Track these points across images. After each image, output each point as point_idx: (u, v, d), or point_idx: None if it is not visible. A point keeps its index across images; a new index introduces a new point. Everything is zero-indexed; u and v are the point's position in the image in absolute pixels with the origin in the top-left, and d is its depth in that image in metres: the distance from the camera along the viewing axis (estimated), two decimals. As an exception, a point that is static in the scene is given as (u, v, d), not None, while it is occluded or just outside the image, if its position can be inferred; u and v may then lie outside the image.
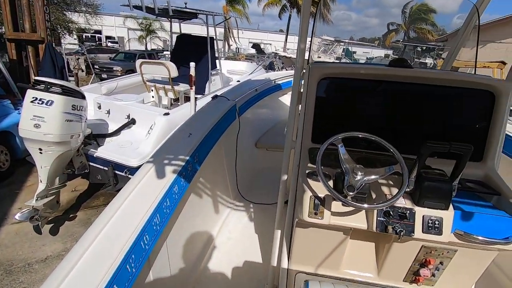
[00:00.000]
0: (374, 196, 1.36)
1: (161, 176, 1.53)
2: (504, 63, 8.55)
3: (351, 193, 1.15)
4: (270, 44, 29.92)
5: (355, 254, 1.69)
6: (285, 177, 1.86)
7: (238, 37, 26.77)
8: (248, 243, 2.44)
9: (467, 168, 1.50)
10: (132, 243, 1.22)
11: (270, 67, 12.99)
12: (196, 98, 3.93)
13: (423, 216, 1.27)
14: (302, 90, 1.76)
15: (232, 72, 7.93)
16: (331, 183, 1.38)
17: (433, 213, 1.27)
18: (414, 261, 1.55)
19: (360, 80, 1.64)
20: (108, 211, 1.32)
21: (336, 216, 1.34)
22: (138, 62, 5.14)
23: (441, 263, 1.53)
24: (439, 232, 1.25)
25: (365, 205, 1.17)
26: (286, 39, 30.30)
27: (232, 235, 2.52)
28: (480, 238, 1.27)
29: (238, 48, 25.46)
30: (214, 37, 6.17)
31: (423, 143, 1.23)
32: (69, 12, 17.01)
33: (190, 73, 3.77)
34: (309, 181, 1.40)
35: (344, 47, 21.47)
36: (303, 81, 1.81)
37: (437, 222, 1.25)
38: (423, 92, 1.62)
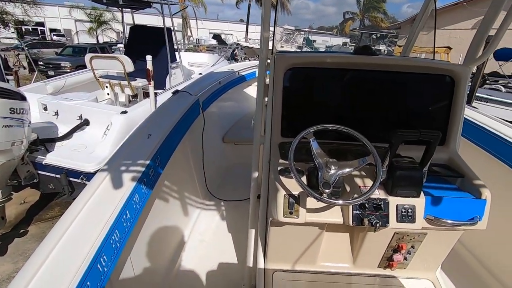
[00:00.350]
0: (348, 189, 1.33)
1: (118, 187, 1.36)
2: (449, 48, 9.22)
3: (327, 191, 1.10)
4: (231, 34, 29.36)
5: (331, 246, 1.67)
6: (255, 174, 1.78)
7: (197, 28, 25.91)
8: (222, 244, 2.34)
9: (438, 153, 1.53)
10: (89, 265, 1.06)
11: (232, 58, 12.75)
12: (156, 94, 3.68)
13: (396, 206, 1.27)
14: (268, 82, 1.67)
15: (194, 65, 7.61)
16: (304, 179, 1.33)
17: (406, 202, 1.27)
18: (387, 248, 1.57)
19: (327, 69, 1.59)
20: (59, 228, 1.14)
21: (312, 213, 1.29)
22: (87, 56, 4.68)
23: (412, 247, 1.56)
24: (413, 220, 1.26)
25: (340, 201, 1.13)
26: (247, 29, 29.96)
27: (204, 237, 2.41)
28: (449, 221, 1.30)
29: (199, 39, 24.68)
30: (172, 28, 5.84)
31: (394, 132, 1.21)
32: (3, 2, 15.13)
33: (147, 67, 3.50)
34: (282, 178, 1.33)
35: (305, 36, 21.75)
36: (268, 72, 1.72)
37: (410, 210, 1.26)
38: (388, 79, 1.61)
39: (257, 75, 5.35)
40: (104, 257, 1.11)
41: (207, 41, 22.70)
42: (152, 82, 3.52)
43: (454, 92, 1.56)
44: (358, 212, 1.26)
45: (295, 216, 1.26)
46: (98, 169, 2.45)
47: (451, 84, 1.57)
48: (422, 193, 1.29)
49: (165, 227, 2.13)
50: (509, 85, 9.99)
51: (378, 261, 1.66)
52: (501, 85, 9.97)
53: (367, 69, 1.57)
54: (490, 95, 7.69)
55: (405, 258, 1.61)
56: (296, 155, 1.27)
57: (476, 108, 2.46)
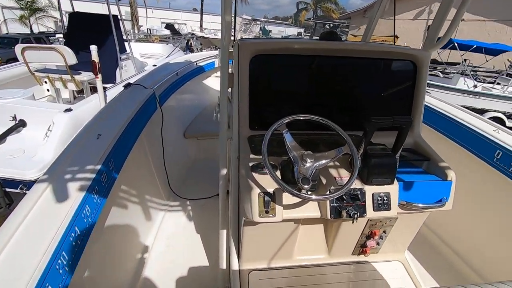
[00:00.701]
0: (324, 181, 1.28)
1: (63, 198, 1.15)
2: (397, 37, 9.80)
3: (306, 186, 1.03)
4: (185, 24, 28.14)
5: (306, 239, 1.63)
6: (224, 171, 1.66)
7: (147, 17, 24.39)
8: (191, 247, 2.20)
9: (394, 139, 1.55)
10: None
11: (188, 49, 12.21)
12: (104, 89, 3.33)
13: (372, 194, 1.24)
14: (231, 71, 1.55)
15: (147, 56, 7.11)
16: (278, 173, 1.24)
17: (381, 190, 1.25)
18: (361, 235, 1.57)
19: (294, 56, 1.50)
20: None
21: (289, 209, 1.22)
22: (18, 47, 4.06)
23: (384, 231, 1.58)
24: (388, 208, 1.25)
25: (320, 196, 1.06)
26: (201, 19, 28.96)
27: (171, 241, 2.24)
28: (420, 205, 1.32)
29: (150, 30, 23.27)
30: (119, 16, 5.33)
31: (368, 119, 1.18)
32: None
33: (93, 59, 3.13)
34: (255, 175, 1.23)
35: (261, 25, 21.66)
36: (231, 61, 1.59)
37: (385, 198, 1.24)
38: (354, 65, 1.59)
39: (216, 65, 5.13)
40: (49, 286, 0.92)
41: (159, 31, 21.44)
42: (99, 76, 3.17)
43: (416, 77, 1.58)
44: (335, 204, 1.21)
45: (271, 215, 1.18)
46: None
47: (414, 69, 1.58)
48: (395, 180, 1.29)
49: (125, 236, 1.93)
50: (446, 71, 11.04)
51: (352, 248, 1.66)
52: (438, 71, 10.98)
53: (334, 55, 1.52)
54: (430, 80, 8.41)
55: (378, 243, 1.64)
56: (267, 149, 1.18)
57: (429, 93, 2.58)
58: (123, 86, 2.52)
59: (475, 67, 10.98)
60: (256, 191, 1.18)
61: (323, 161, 1.15)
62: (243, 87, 1.45)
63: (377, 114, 1.60)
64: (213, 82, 4.98)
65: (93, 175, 1.32)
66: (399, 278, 1.70)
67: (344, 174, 1.29)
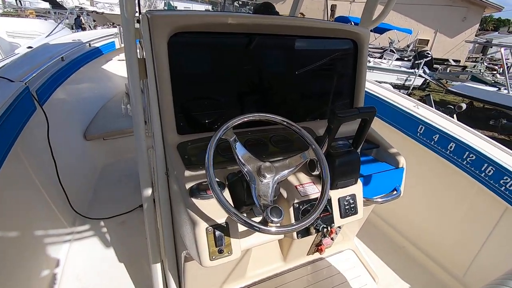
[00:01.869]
0: (284, 193, 1.03)
1: None
2: (303, 14, 10.20)
3: (276, 220, 0.75)
4: (70, -5, 23.49)
5: (260, 254, 1.41)
6: (147, 191, 1.25)
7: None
8: (111, 280, 1.73)
9: (343, 126, 1.42)
10: None
11: (79, 27, 10.15)
12: None
13: (338, 200, 1.07)
14: (142, 56, 1.12)
15: (18, 35, 5.53)
16: (226, 194, 0.94)
17: (346, 192, 1.09)
18: (316, 236, 1.43)
19: (225, 35, 1.17)
20: None
21: (246, 238, 0.94)
22: None
23: (339, 227, 1.47)
24: (355, 211, 1.10)
25: (294, 227, 0.80)
26: (90, -10, 24.59)
27: (84, 281, 1.72)
28: (379, 200, 1.22)
29: (21, 1, 18.63)
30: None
31: (333, 115, 0.96)
32: None
33: None
34: (196, 201, 0.90)
35: (165, 1, 19.71)
36: (141, 41, 1.16)
37: (351, 201, 1.09)
38: (294, 45, 1.35)
39: (117, 45, 4.27)
40: None
41: (34, 4, 17.31)
42: None
43: (358, 56, 1.46)
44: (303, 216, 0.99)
45: (227, 253, 0.88)
46: None
47: (355, 48, 1.45)
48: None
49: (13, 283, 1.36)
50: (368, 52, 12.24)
51: (307, 249, 1.52)
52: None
53: (273, 33, 1.25)
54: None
55: (332, 239, 1.53)
56: (202, 157, 0.87)
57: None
58: (-27, 80, 1.73)
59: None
60: (202, 225, 0.85)
61: (285, 172, 0.90)
62: (163, 78, 1.05)
63: (319, 100, 1.41)
64: (116, 66, 4.15)
65: None
66: (353, 268, 1.66)
67: (304, 180, 1.07)
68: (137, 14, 1.14)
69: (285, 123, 0.96)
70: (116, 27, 4.18)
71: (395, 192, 1.28)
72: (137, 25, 1.11)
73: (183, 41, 1.08)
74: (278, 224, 0.75)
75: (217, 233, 0.85)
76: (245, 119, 0.91)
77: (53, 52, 2.64)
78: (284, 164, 0.90)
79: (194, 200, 0.90)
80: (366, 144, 1.42)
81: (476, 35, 19.05)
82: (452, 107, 5.81)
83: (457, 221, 1.88)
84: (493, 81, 8.85)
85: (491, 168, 1.61)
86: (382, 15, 1.44)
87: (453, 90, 7.93)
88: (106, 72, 3.93)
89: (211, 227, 0.85)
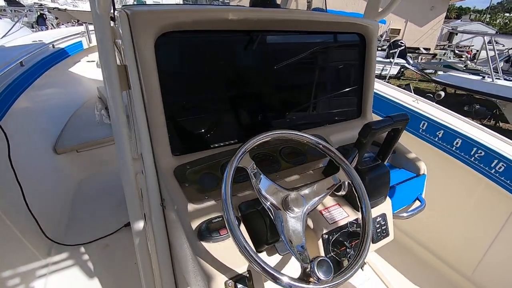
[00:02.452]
0: (310, 223, 0.87)
1: None
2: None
3: (325, 278, 0.59)
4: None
5: None
6: (139, 226, 1.04)
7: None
8: None
9: (350, 131, 1.28)
10: None
11: (43, 24, 9.36)
12: None
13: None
14: (123, 62, 0.91)
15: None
16: (242, 229, 0.76)
17: (376, 212, 0.95)
18: None
19: (222, 33, 0.97)
20: None
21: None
22: None
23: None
24: (387, 233, 0.96)
25: (339, 281, 0.64)
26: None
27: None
28: (405, 214, 1.10)
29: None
30: None
31: (367, 128, 0.81)
32: None
33: None
34: (207, 246, 0.72)
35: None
36: (116, 43, 0.95)
37: (382, 222, 0.95)
38: (298, 42, 1.18)
39: (85, 45, 3.89)
40: None
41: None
42: None
43: (366, 53, 1.31)
44: (333, 253, 0.84)
45: None
46: None
47: (363, 43, 1.30)
48: None
49: None
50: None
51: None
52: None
53: (277, 29, 1.07)
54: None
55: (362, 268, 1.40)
56: (207, 182, 0.73)
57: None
58: None
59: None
60: (220, 279, 0.68)
61: (315, 200, 0.74)
62: (151, 89, 0.85)
63: (327, 104, 1.27)
64: (85, 68, 3.79)
65: None
66: (367, 280, 1.55)
67: (328, 202, 0.92)
68: (111, 11, 0.92)
69: (321, 145, 0.79)
70: (82, 24, 3.80)
71: (418, 202, 1.16)
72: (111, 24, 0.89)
73: (173, 42, 0.88)
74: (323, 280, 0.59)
75: (239, 286, 0.68)
76: (266, 138, 0.74)
77: (11, 56, 2.31)
78: (313, 190, 0.74)
79: (204, 244, 0.72)
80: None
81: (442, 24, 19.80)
82: (432, 96, 5.91)
83: (464, 219, 1.82)
84: (464, 68, 9.18)
85: (502, 164, 1.54)
86: (392, 5, 1.30)
87: (439, 80, 8.07)
88: (75, 76, 3.57)
89: (230, 281, 0.68)
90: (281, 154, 1.04)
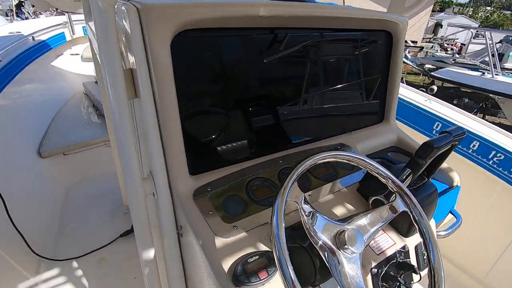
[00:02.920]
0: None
1: None
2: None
3: None
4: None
5: None
6: (149, 255, 0.90)
7: None
8: None
9: (375, 139, 1.18)
10: None
11: (22, 13, 8.77)
12: None
13: (416, 248, 0.82)
14: (127, 66, 0.76)
15: None
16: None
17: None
18: None
19: (247, 31, 0.83)
20: None
21: None
22: None
23: None
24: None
25: None
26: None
27: None
28: (442, 233, 1.01)
29: None
30: None
31: (427, 147, 0.70)
32: None
33: None
34: None
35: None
36: (126, 41, 0.80)
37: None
38: (326, 41, 1.05)
39: (68, 37, 3.61)
40: None
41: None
42: None
43: (393, 52, 1.20)
44: (384, 283, 0.73)
45: None
46: None
47: (389, 42, 1.19)
48: None
49: None
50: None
51: None
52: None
53: (303, 26, 0.94)
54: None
55: None
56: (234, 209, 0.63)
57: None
58: None
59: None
60: None
61: (371, 232, 0.63)
62: (166, 98, 0.71)
63: (350, 109, 1.17)
64: (69, 62, 3.52)
65: None
66: None
67: (383, 241, 0.80)
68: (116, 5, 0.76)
69: (390, 181, 0.66)
70: (64, 14, 3.51)
71: (452, 217, 1.07)
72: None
73: (192, 42, 0.73)
74: None
75: None
76: (324, 159, 0.62)
77: None
78: (367, 222, 0.63)
79: None
80: (407, 156, 1.19)
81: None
82: (425, 90, 5.92)
83: (478, 221, 1.77)
84: (453, 61, 9.29)
85: None
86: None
87: (437, 75, 8.07)
88: (58, 70, 3.31)
89: None
90: (310, 169, 0.93)
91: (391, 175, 0.67)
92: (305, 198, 0.59)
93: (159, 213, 0.81)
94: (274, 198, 0.57)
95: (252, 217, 0.75)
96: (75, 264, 1.75)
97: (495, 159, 1.58)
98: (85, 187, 2.33)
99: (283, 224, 0.54)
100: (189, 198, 0.76)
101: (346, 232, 0.58)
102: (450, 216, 1.11)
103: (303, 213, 0.58)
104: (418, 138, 1.75)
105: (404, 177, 0.75)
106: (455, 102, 7.71)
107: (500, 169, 1.57)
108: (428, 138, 1.78)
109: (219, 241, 0.68)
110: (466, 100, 7.67)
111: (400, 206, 0.65)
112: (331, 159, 0.64)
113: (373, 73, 1.23)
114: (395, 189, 0.67)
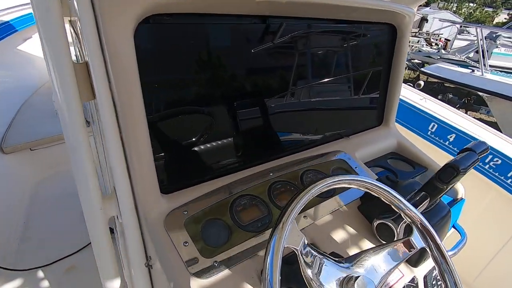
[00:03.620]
0: None
1: None
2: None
3: None
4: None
5: None
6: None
7: None
8: None
9: (374, 144, 1.08)
10: None
11: None
12: None
13: (425, 279, 0.72)
14: (81, 58, 0.60)
15: None
16: None
17: (430, 263, 0.75)
18: None
19: (226, 18, 0.68)
20: None
21: None
22: None
23: None
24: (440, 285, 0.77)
25: None
26: None
27: None
28: (449, 253, 0.92)
29: None
30: None
31: (452, 169, 0.58)
32: None
33: None
34: None
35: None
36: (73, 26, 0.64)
37: (436, 275, 0.75)
38: (322, 34, 0.92)
39: (39, 23, 3.37)
40: None
41: None
42: None
43: (396, 48, 1.08)
44: None
45: None
46: None
47: (392, 36, 1.07)
48: None
49: None
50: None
51: None
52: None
53: (297, 15, 0.80)
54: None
55: None
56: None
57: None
58: None
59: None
60: None
61: (383, 274, 0.51)
62: (129, 100, 0.56)
63: (349, 112, 1.05)
64: (39, 46, 3.22)
65: None
66: None
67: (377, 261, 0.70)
68: None
69: (406, 210, 0.54)
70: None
71: (455, 234, 0.99)
72: None
73: (162, 30, 0.58)
74: None
75: None
76: (332, 185, 0.50)
77: None
78: (377, 263, 0.51)
79: None
80: (408, 164, 1.09)
81: (416, 11, 20.15)
82: (412, 85, 5.91)
83: (468, 227, 1.73)
84: (438, 57, 9.37)
85: None
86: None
87: (427, 71, 8.08)
88: (25, 55, 3.01)
89: None
90: (304, 183, 0.80)
91: (407, 203, 0.55)
92: (305, 242, 0.47)
93: (125, 241, 0.66)
94: (270, 235, 0.44)
95: (237, 247, 0.62)
96: (40, 274, 1.58)
97: (491, 163, 1.52)
98: (54, 186, 2.13)
99: (279, 269, 0.41)
100: (160, 225, 0.62)
101: (356, 282, 0.46)
102: (452, 230, 1.03)
103: (303, 262, 0.45)
104: (417, 142, 1.66)
105: (423, 205, 0.64)
106: (439, 97, 7.81)
107: (496, 174, 1.51)
108: (426, 142, 1.68)
109: (196, 284, 0.54)
110: (450, 95, 7.78)
111: (418, 243, 0.54)
112: (338, 185, 0.52)
113: (373, 71, 1.11)
114: (410, 220, 0.55)
